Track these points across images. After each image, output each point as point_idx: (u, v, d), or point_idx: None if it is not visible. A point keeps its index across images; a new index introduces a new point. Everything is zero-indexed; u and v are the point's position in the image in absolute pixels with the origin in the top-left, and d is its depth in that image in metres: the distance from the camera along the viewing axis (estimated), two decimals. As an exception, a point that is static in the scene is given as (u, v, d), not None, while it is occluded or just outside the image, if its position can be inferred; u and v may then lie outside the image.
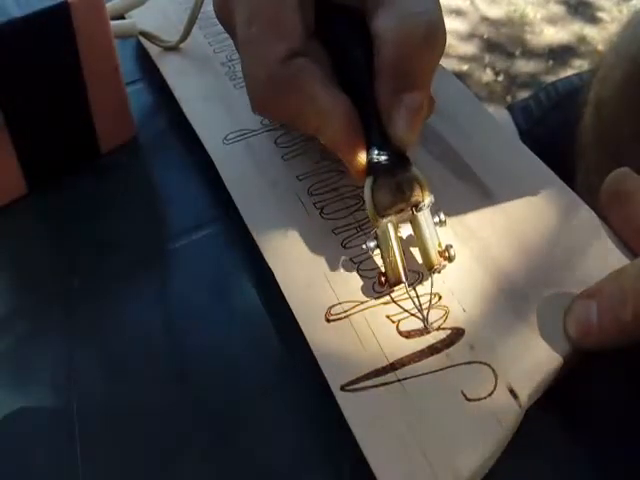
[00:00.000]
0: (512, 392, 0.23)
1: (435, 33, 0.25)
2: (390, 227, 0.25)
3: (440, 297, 0.26)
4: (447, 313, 0.25)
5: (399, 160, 0.26)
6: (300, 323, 0.25)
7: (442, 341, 0.24)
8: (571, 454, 0.23)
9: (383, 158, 0.26)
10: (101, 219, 0.32)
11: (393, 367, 0.24)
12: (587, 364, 0.24)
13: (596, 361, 0.24)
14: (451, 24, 1.71)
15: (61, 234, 0.31)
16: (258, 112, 0.29)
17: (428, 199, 0.26)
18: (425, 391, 0.23)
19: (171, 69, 0.38)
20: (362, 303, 0.26)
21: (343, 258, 0.27)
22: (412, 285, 0.26)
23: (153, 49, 0.39)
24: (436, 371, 0.23)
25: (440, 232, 0.26)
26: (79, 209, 0.32)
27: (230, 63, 0.37)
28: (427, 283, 0.26)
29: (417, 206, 0.25)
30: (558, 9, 1.81)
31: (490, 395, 0.23)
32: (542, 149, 0.31)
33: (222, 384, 0.25)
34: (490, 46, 1.67)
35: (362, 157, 0.26)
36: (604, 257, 0.26)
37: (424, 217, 0.26)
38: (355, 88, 0.27)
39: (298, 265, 0.27)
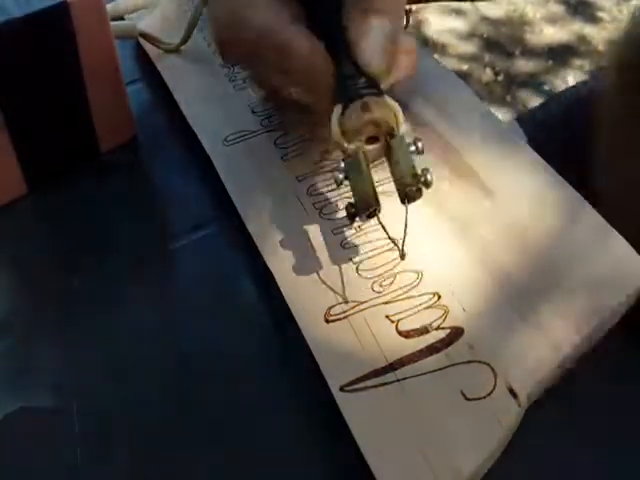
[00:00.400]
0: (512, 392, 0.23)
1: None
2: (359, 152, 0.24)
3: (440, 297, 0.26)
4: (446, 312, 0.25)
5: (371, 88, 0.25)
6: (299, 323, 0.25)
7: (441, 341, 0.24)
8: (571, 454, 0.23)
9: (352, 85, 0.25)
10: (101, 219, 0.32)
11: (392, 367, 0.24)
12: (587, 364, 0.24)
13: (596, 361, 0.24)
14: (451, 23, 1.71)
15: (61, 234, 0.31)
16: (222, 51, 0.28)
17: (403, 127, 0.24)
18: (424, 391, 0.23)
19: (171, 70, 0.38)
20: (361, 303, 0.26)
21: (342, 258, 0.27)
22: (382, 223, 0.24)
23: (153, 50, 0.39)
24: (435, 371, 0.23)
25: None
26: (79, 209, 0.32)
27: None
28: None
29: (391, 135, 0.24)
30: (558, 9, 1.81)
31: (490, 395, 0.23)
32: (550, 158, 0.30)
33: (222, 384, 0.25)
34: (490, 46, 1.67)
35: (329, 86, 0.25)
36: (605, 255, 0.26)
37: (398, 143, 0.24)
38: (324, 22, 0.26)
39: (297, 265, 0.27)
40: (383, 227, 0.24)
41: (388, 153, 0.24)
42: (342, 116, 0.24)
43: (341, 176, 0.24)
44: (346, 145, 0.24)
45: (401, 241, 0.24)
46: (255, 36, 0.26)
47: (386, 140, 0.24)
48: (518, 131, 0.65)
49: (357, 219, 0.24)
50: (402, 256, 0.24)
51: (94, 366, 0.26)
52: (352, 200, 0.24)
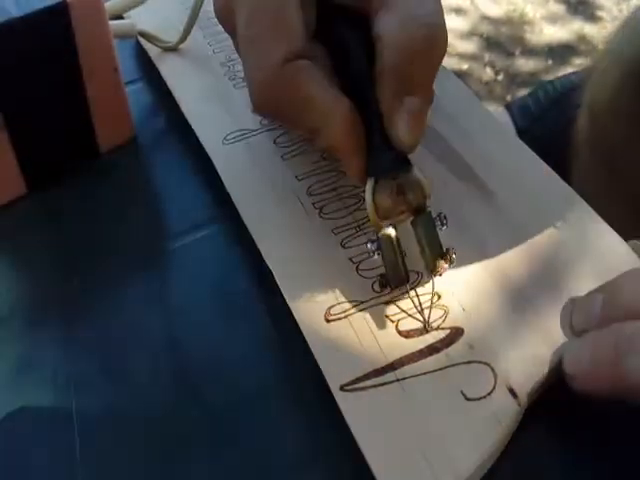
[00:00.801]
0: (512, 391, 0.23)
1: (437, 36, 0.25)
2: (391, 229, 0.25)
3: (440, 296, 0.26)
4: (446, 313, 0.25)
5: (401, 162, 0.26)
6: (299, 323, 0.25)
7: (441, 341, 0.24)
8: (571, 453, 0.23)
9: (384, 160, 0.26)
10: (100, 219, 0.32)
11: (392, 367, 0.24)
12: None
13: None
14: (451, 23, 1.71)
15: (60, 234, 0.31)
16: (259, 113, 0.29)
17: (429, 201, 0.25)
18: (424, 391, 0.23)
19: (170, 69, 0.38)
20: (361, 303, 0.26)
21: (342, 258, 0.27)
22: (412, 286, 0.26)
23: (152, 49, 0.39)
24: (435, 371, 0.23)
25: (441, 234, 0.26)
26: (78, 209, 0.32)
27: (229, 63, 0.37)
28: (427, 284, 0.26)
29: (418, 209, 0.25)
30: (558, 8, 1.81)
31: (490, 394, 0.23)
32: (540, 147, 0.31)
33: (222, 384, 0.25)
34: (490, 45, 1.67)
35: (362, 159, 0.26)
36: (604, 256, 0.26)
37: (425, 220, 0.25)
38: (356, 90, 0.27)
39: (297, 265, 0.27)
40: (411, 299, 0.26)
41: (415, 227, 0.26)
42: (375, 193, 0.25)
43: (373, 247, 0.25)
44: (380, 223, 0.25)
45: (427, 312, 0.25)
46: (295, 103, 0.26)
47: (413, 213, 0.26)
48: (506, 119, 0.66)
49: (388, 289, 0.26)
50: (425, 329, 0.25)
51: (94, 366, 0.26)
52: (383, 272, 0.26)
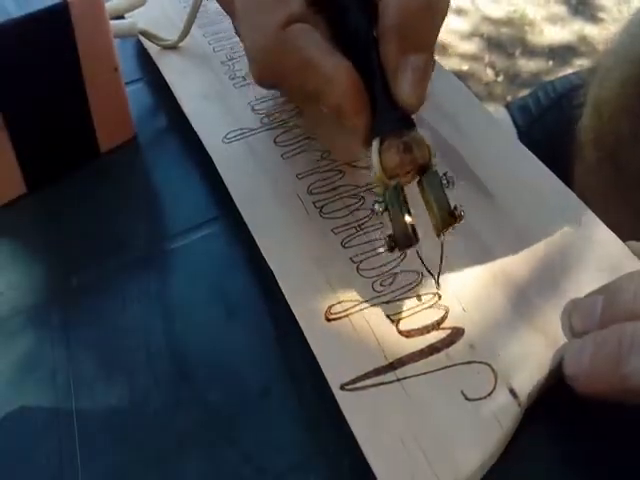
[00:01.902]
0: (512, 392, 0.23)
1: None
2: (398, 189, 0.25)
3: (440, 297, 0.26)
4: (447, 313, 0.25)
5: (405, 122, 0.26)
6: (300, 322, 0.25)
7: (442, 341, 0.24)
8: (571, 454, 0.23)
9: (390, 119, 0.25)
10: (100, 218, 0.32)
11: (393, 366, 0.24)
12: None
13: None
14: (452, 23, 1.71)
15: (60, 233, 0.31)
16: (259, 80, 0.28)
17: (435, 160, 0.25)
18: (425, 390, 0.23)
19: (171, 68, 0.38)
20: (362, 303, 0.26)
21: (343, 257, 0.27)
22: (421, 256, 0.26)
23: (153, 48, 0.39)
24: (436, 370, 0.23)
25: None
26: (79, 208, 0.32)
27: (230, 62, 0.37)
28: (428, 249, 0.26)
29: (424, 167, 0.25)
30: (558, 9, 1.81)
31: (490, 395, 0.23)
32: (540, 148, 0.31)
33: (222, 384, 0.25)
34: (490, 46, 1.67)
35: (367, 119, 0.26)
36: (604, 257, 0.26)
37: (432, 177, 0.25)
38: (358, 52, 0.27)
39: (298, 264, 0.27)
40: (421, 259, 0.26)
41: (422, 186, 0.25)
42: (381, 151, 0.25)
43: (380, 208, 0.25)
44: (387, 181, 0.25)
45: (437, 272, 0.25)
46: (297, 66, 0.26)
47: (419, 173, 0.25)
48: (506, 119, 0.66)
49: (396, 250, 0.25)
50: (438, 286, 0.25)
51: (94, 366, 0.26)
52: (391, 233, 0.25)
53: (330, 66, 0.25)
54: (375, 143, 0.25)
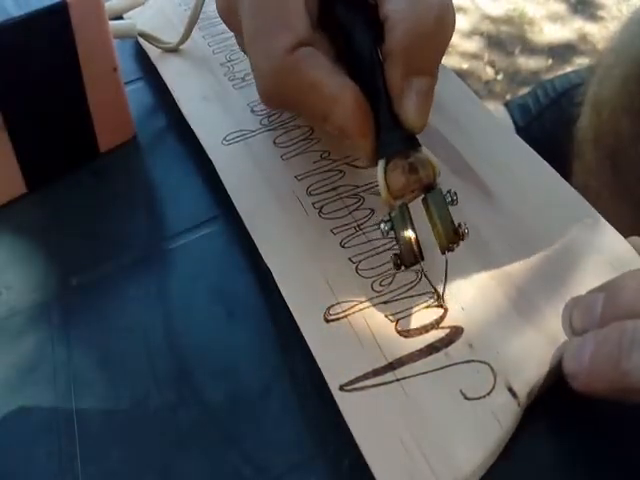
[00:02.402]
0: (511, 391, 0.23)
1: (445, 17, 0.26)
2: (404, 208, 0.25)
3: (439, 296, 0.26)
4: (446, 312, 0.25)
5: (410, 142, 0.26)
6: (299, 323, 0.25)
7: (441, 340, 0.24)
8: (570, 453, 0.23)
9: (395, 140, 0.26)
10: (100, 219, 0.32)
11: (392, 367, 0.24)
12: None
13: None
14: (451, 22, 1.70)
15: (60, 233, 0.31)
16: (267, 103, 0.28)
17: (439, 178, 0.25)
18: (424, 390, 0.23)
19: (170, 70, 0.38)
20: (361, 303, 0.26)
21: (342, 258, 0.27)
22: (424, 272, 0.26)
23: (152, 50, 0.39)
24: (435, 370, 0.23)
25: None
26: (78, 208, 0.32)
27: (229, 64, 0.37)
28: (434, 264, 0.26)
29: (429, 186, 0.25)
30: (558, 7, 1.81)
31: (489, 394, 0.23)
32: (539, 146, 0.31)
33: (222, 384, 0.25)
34: (490, 44, 1.67)
35: (372, 140, 0.26)
36: (605, 254, 0.26)
37: (437, 197, 0.25)
38: (363, 73, 0.27)
39: (297, 265, 0.27)
40: (426, 277, 0.26)
41: (427, 204, 0.25)
42: (387, 172, 0.25)
43: (387, 227, 0.25)
44: (392, 202, 0.25)
45: (441, 290, 0.26)
46: (303, 90, 0.26)
47: (424, 191, 0.25)
48: (505, 118, 0.66)
49: (402, 268, 0.25)
50: (443, 302, 0.25)
51: (94, 366, 0.26)
52: (397, 251, 0.25)
53: (335, 88, 0.26)
54: (381, 164, 0.26)
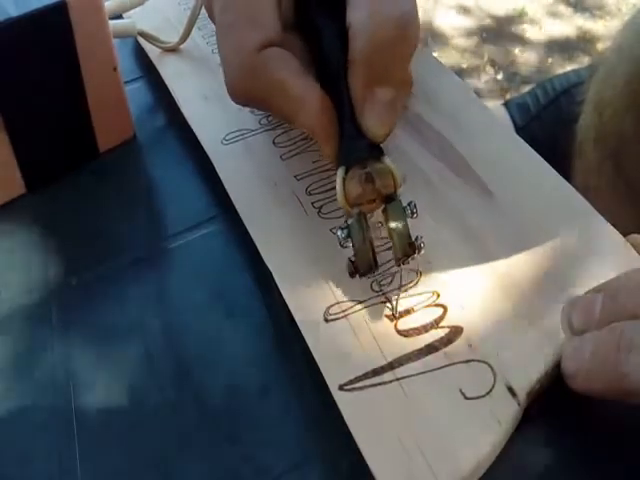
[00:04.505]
0: (511, 390, 0.23)
1: (406, 27, 0.25)
2: (361, 217, 0.25)
3: (438, 295, 0.26)
4: (445, 311, 0.25)
5: (372, 151, 0.26)
6: (298, 323, 0.25)
7: (440, 339, 0.24)
8: (570, 453, 0.23)
9: (354, 148, 0.26)
10: (99, 218, 0.32)
11: (391, 366, 0.24)
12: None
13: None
14: (451, 20, 1.71)
15: (60, 233, 0.31)
16: (234, 99, 0.29)
17: (400, 190, 0.26)
18: (423, 390, 0.23)
19: (169, 69, 0.38)
20: (360, 302, 0.26)
21: (342, 257, 0.27)
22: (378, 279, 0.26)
23: (152, 50, 0.39)
24: (434, 370, 0.23)
25: (413, 223, 0.26)
26: (78, 208, 0.32)
27: (229, 62, 0.37)
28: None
29: (389, 197, 0.26)
30: (558, 5, 1.80)
31: (489, 393, 0.23)
32: (538, 145, 0.31)
33: (222, 384, 0.25)
34: (490, 42, 1.67)
35: (334, 145, 0.26)
36: (605, 254, 0.26)
37: (394, 208, 0.26)
38: (331, 79, 0.27)
39: (296, 265, 0.27)
40: (379, 286, 0.26)
41: (385, 215, 0.26)
42: (345, 180, 0.26)
43: (343, 234, 0.26)
44: (349, 209, 0.26)
45: (395, 301, 0.26)
46: (268, 89, 0.26)
47: (384, 201, 0.26)
48: (505, 117, 0.66)
49: (356, 276, 0.26)
50: (395, 315, 0.25)
51: (94, 366, 0.26)
52: (353, 258, 0.26)
53: (301, 90, 0.26)
54: (340, 171, 0.26)
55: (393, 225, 0.25)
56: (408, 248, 0.25)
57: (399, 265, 0.25)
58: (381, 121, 0.26)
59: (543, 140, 0.61)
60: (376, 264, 0.25)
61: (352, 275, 0.26)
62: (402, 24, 0.25)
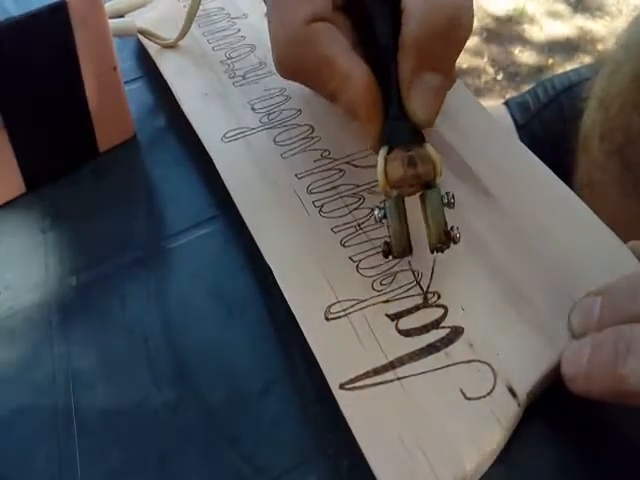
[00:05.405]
0: (511, 391, 0.23)
1: (461, 16, 0.26)
2: (399, 199, 0.25)
3: (439, 295, 0.26)
4: (446, 311, 0.25)
5: (415, 135, 0.26)
6: (299, 322, 0.25)
7: (441, 340, 0.24)
8: (570, 454, 0.23)
9: (399, 130, 0.26)
10: (100, 218, 0.32)
11: (392, 365, 0.24)
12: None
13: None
14: (451, 20, 1.70)
15: (60, 233, 0.31)
16: (281, 72, 0.29)
17: (439, 178, 0.26)
18: (424, 390, 0.23)
19: (170, 67, 0.38)
20: (361, 302, 0.26)
21: (342, 256, 0.27)
22: (412, 268, 0.26)
23: (152, 47, 0.39)
24: (435, 370, 0.23)
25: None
26: (78, 208, 0.32)
27: (229, 61, 0.37)
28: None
29: (428, 183, 0.25)
30: (559, 5, 1.81)
31: (489, 394, 0.23)
32: (538, 144, 0.31)
33: (222, 383, 0.25)
34: (491, 42, 1.67)
35: (378, 125, 0.26)
36: (603, 257, 0.26)
37: (433, 195, 0.25)
38: (379, 60, 0.27)
39: (297, 264, 0.27)
40: (413, 271, 0.26)
41: (423, 201, 0.26)
42: (387, 161, 0.26)
43: (380, 214, 0.25)
44: (389, 190, 0.26)
45: (426, 287, 0.26)
46: (316, 62, 0.26)
47: (422, 188, 0.26)
48: (506, 116, 0.66)
49: (390, 258, 0.26)
50: (425, 301, 0.25)
51: (94, 366, 0.26)
52: (388, 240, 0.25)
53: (348, 65, 0.26)
54: (382, 151, 0.26)
55: (430, 212, 0.25)
56: (444, 236, 0.25)
57: (433, 253, 0.25)
58: (427, 106, 0.26)
59: (544, 138, 0.61)
60: (410, 249, 0.25)
61: (386, 256, 0.25)
62: (457, 13, 0.26)
